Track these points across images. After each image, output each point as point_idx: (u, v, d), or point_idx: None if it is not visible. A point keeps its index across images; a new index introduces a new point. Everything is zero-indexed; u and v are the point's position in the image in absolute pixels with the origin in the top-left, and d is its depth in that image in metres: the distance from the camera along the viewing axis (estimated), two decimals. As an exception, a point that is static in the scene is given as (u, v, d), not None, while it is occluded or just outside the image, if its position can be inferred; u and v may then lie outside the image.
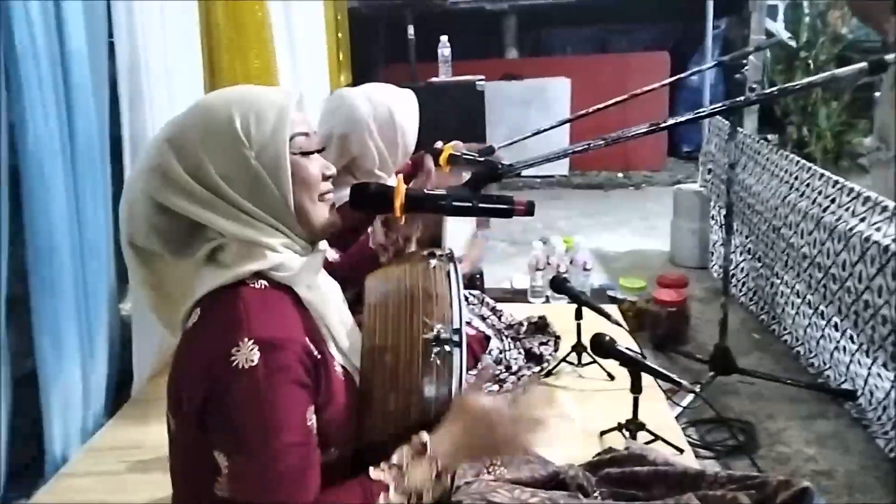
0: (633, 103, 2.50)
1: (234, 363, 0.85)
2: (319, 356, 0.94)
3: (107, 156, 1.82)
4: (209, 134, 0.94)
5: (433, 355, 0.97)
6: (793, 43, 6.03)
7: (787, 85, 1.35)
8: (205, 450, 0.89)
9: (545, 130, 2.23)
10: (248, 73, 2.50)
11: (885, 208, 2.09)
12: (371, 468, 0.90)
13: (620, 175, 6.31)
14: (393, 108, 1.77)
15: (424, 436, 0.93)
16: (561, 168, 6.31)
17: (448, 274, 1.06)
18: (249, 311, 0.89)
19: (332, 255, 1.31)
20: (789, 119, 6.08)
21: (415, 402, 0.97)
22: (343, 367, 1.00)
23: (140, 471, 1.61)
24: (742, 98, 1.53)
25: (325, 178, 1.01)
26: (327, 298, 1.02)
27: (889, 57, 1.08)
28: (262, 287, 0.92)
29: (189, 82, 2.16)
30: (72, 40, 1.63)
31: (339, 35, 4.25)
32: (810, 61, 5.91)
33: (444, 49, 3.83)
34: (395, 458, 0.91)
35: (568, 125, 5.21)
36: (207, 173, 0.93)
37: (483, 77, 3.82)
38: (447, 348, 0.98)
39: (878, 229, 2.08)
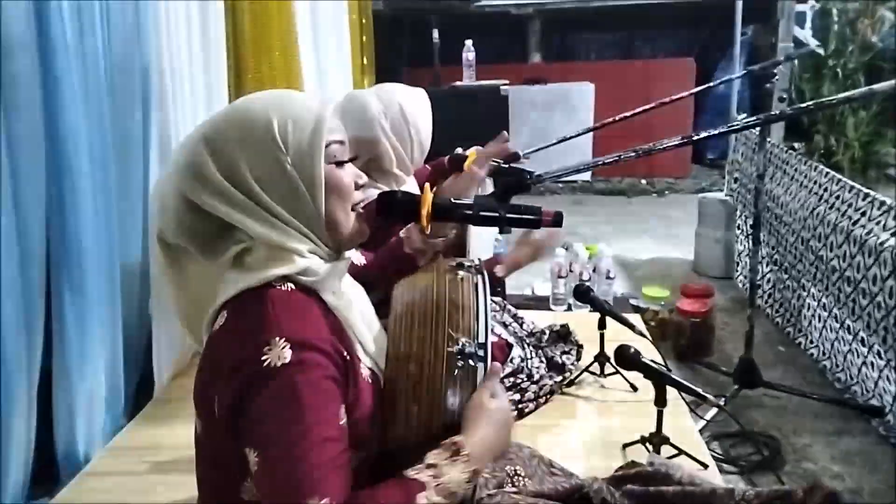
0: (659, 110, 2.47)
1: (266, 362, 0.85)
2: (348, 357, 0.94)
3: (138, 154, 1.83)
4: (246, 136, 0.94)
5: (457, 369, 0.96)
6: (821, 51, 5.94)
7: (823, 99, 1.32)
8: (232, 452, 0.89)
9: (571, 138, 2.22)
10: (273, 76, 2.51)
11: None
12: (409, 469, 0.89)
13: (644, 181, 6.26)
14: (403, 103, 1.77)
15: (457, 437, 0.93)
16: (584, 174, 6.28)
17: (476, 286, 1.05)
18: (278, 311, 0.89)
19: (359, 258, 1.30)
20: (816, 128, 5.99)
21: (437, 413, 0.96)
22: (370, 369, 1.00)
23: (161, 471, 1.61)
24: (776, 113, 1.50)
25: (358, 187, 1.01)
26: (352, 303, 1.02)
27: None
28: (289, 289, 0.92)
29: (215, 83, 2.17)
30: (101, 38, 1.64)
31: (364, 38, 4.26)
32: (839, 70, 5.82)
33: (469, 53, 3.82)
34: (430, 459, 0.90)
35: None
36: (242, 175, 0.93)
37: (507, 81, 3.80)
38: (471, 363, 0.97)
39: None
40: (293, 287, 0.93)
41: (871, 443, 2.30)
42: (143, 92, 1.87)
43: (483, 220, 1.07)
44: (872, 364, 2.33)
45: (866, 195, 2.37)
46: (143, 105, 1.87)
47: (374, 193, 1.11)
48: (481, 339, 0.99)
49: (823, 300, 2.66)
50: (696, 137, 1.15)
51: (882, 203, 2.27)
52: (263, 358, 0.85)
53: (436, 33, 4.14)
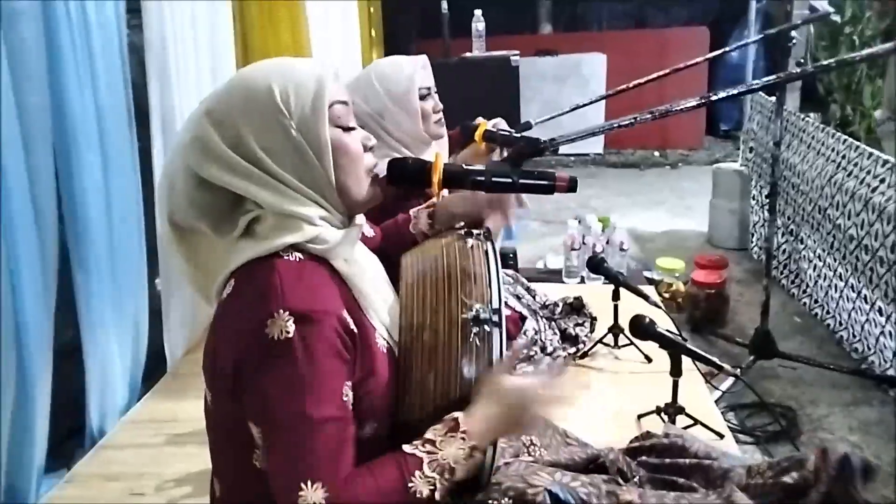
0: (672, 80, 2.41)
1: (269, 334, 0.84)
2: (358, 329, 0.93)
3: (134, 129, 1.82)
4: (249, 106, 0.93)
5: (472, 335, 0.95)
6: (837, 18, 5.81)
7: (845, 57, 1.28)
8: (241, 422, 0.89)
9: (582, 106, 2.17)
10: (280, 48, 2.49)
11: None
12: (405, 445, 0.89)
13: (657, 153, 6.19)
14: (372, 75, 1.75)
15: (457, 413, 0.92)
16: (596, 146, 6.21)
17: (486, 253, 1.03)
18: (284, 282, 0.87)
19: (368, 230, 1.29)
20: (832, 97, 5.89)
21: (454, 382, 0.95)
22: (385, 339, 0.99)
23: (176, 444, 1.63)
24: (796, 71, 1.46)
25: (367, 149, 1.00)
26: (365, 271, 1.01)
27: None
28: (298, 259, 0.91)
29: (221, 57, 2.15)
30: (98, 13, 1.62)
31: (371, 10, 4.21)
32: (855, 37, 5.70)
33: (478, 24, 3.76)
34: (428, 434, 0.90)
35: (603, 102, 5.14)
36: (248, 145, 0.92)
37: (518, 52, 3.75)
38: (486, 328, 0.95)
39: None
40: (302, 256, 0.92)
41: (890, 413, 2.28)
42: (143, 66, 1.85)
43: (495, 186, 1.05)
44: (891, 333, 2.30)
45: (885, 161, 2.33)
46: (143, 79, 1.86)
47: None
48: (495, 305, 0.98)
49: (840, 269, 2.63)
50: (713, 98, 1.11)
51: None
52: (266, 330, 0.84)
53: (444, 4, 4.08)
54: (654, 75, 2.24)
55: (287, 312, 0.84)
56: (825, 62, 1.19)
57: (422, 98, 1.76)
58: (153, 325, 1.97)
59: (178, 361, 2.01)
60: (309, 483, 0.81)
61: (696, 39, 5.86)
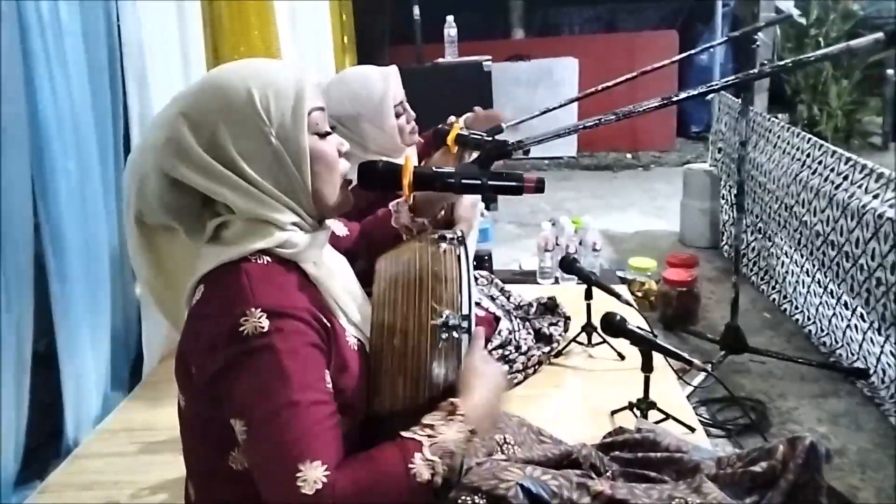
0: (642, 83, 2.46)
1: (244, 332, 0.84)
2: (329, 326, 0.94)
3: (110, 138, 1.81)
4: (228, 109, 0.92)
5: (441, 342, 0.97)
6: (803, 20, 5.94)
7: (801, 57, 1.32)
8: (216, 423, 0.89)
9: (553, 109, 2.20)
10: (251, 55, 2.48)
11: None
12: (404, 432, 0.89)
13: (629, 156, 6.26)
14: (344, 89, 1.76)
15: (455, 399, 0.93)
16: (569, 149, 6.27)
17: (458, 258, 1.05)
18: (253, 282, 0.88)
19: (341, 229, 1.30)
20: (799, 98, 6.01)
21: (423, 385, 0.97)
22: (356, 338, 1.00)
23: (152, 452, 1.62)
24: (755, 70, 1.50)
25: (341, 154, 1.01)
26: (334, 273, 1.02)
27: None
28: (266, 262, 0.92)
29: (192, 62, 2.15)
30: (73, 20, 1.61)
31: (343, 17, 4.21)
32: (820, 38, 5.83)
33: (450, 29, 3.79)
34: (426, 420, 0.91)
35: (576, 105, 5.18)
36: (225, 149, 0.92)
37: (490, 58, 3.78)
38: (455, 335, 0.97)
39: (891, 206, 2.05)
40: (269, 260, 0.92)
41: (856, 404, 2.33)
42: (120, 74, 1.84)
43: (465, 188, 1.07)
44: (856, 327, 2.36)
45: (848, 159, 2.39)
46: (120, 86, 1.85)
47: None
48: (465, 311, 1.00)
49: (807, 265, 2.69)
50: (675, 98, 1.15)
51: (864, 166, 2.28)
52: (241, 329, 0.84)
53: (417, 10, 4.10)
54: (623, 78, 2.28)
55: (259, 310, 0.85)
56: (781, 63, 1.23)
57: (397, 115, 1.78)
58: (131, 333, 1.96)
59: (154, 368, 2.00)
60: (308, 462, 0.81)
61: (666, 43, 5.95)
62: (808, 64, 1.18)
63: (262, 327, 0.85)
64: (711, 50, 5.55)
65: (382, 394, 0.98)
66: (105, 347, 1.80)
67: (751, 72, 1.38)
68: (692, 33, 6.26)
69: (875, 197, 2.16)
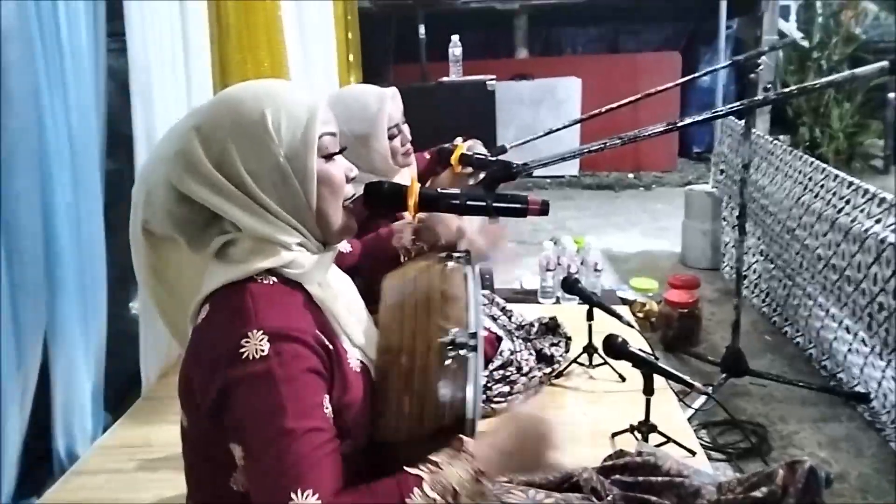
0: (645, 104, 2.48)
1: (244, 354, 0.85)
2: (332, 348, 0.93)
3: (103, 153, 1.81)
4: (239, 127, 0.93)
5: (449, 359, 0.96)
6: (805, 43, 5.99)
7: (805, 84, 1.33)
8: (218, 445, 0.89)
9: (557, 130, 2.22)
10: (258, 72, 2.50)
11: (897, 209, 2.06)
12: (406, 467, 0.88)
13: (631, 176, 6.28)
14: (340, 109, 1.74)
15: (466, 437, 0.92)
16: (571, 169, 6.29)
17: (465, 276, 1.05)
18: (257, 303, 0.88)
19: (345, 245, 1.30)
20: (801, 120, 6.05)
21: (429, 405, 0.96)
22: (360, 360, 1.00)
23: (150, 469, 1.61)
24: (760, 97, 1.51)
25: (349, 180, 1.01)
26: (338, 295, 1.02)
27: None
28: (271, 283, 0.92)
29: (199, 80, 2.16)
30: (71, 34, 1.62)
31: (350, 35, 4.25)
32: (823, 62, 5.88)
33: (455, 49, 3.82)
34: (433, 457, 0.89)
35: (578, 125, 5.22)
36: (233, 166, 0.92)
37: (494, 77, 3.81)
38: (463, 353, 0.97)
39: (893, 231, 2.06)
40: (275, 280, 0.93)
41: (857, 428, 2.32)
42: (123, 87, 1.85)
43: (470, 210, 1.08)
44: (858, 351, 2.35)
45: (850, 183, 2.39)
46: (125, 101, 1.86)
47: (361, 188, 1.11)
48: (472, 329, 0.99)
49: (809, 289, 2.69)
50: (679, 124, 1.16)
51: (866, 191, 2.29)
52: (241, 351, 0.84)
53: (422, 29, 4.14)
54: (626, 100, 2.30)
55: (261, 332, 0.85)
56: (785, 90, 1.24)
57: (391, 137, 1.74)
58: (128, 350, 1.95)
59: (153, 385, 2.00)
60: (299, 492, 0.81)
61: (668, 64, 5.99)
62: (814, 91, 1.19)
63: (263, 350, 0.85)
64: (714, 73, 5.58)
65: (388, 414, 0.97)
66: (100, 363, 1.79)
67: (755, 98, 1.40)
68: (695, 55, 6.30)
69: (877, 221, 2.16)
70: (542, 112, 5.97)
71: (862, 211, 2.27)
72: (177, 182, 0.94)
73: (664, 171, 6.32)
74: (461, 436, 0.91)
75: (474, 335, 0.98)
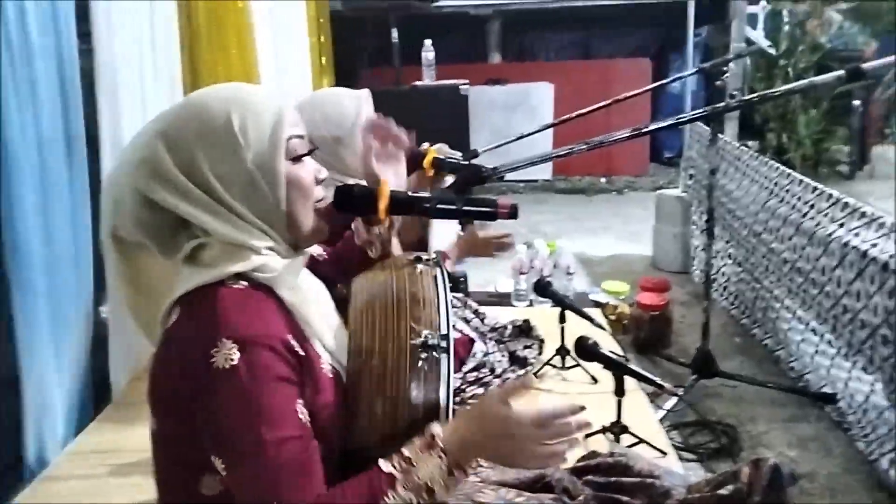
0: (617, 109, 2.51)
1: (214, 364, 0.84)
2: (303, 353, 0.93)
3: (80, 155, 1.79)
4: (205, 132, 0.93)
5: (421, 361, 0.97)
6: (773, 51, 6.11)
7: (766, 91, 1.37)
8: (187, 449, 0.88)
9: (529, 135, 2.24)
10: (229, 74, 2.49)
11: (863, 214, 2.11)
12: (381, 460, 0.88)
13: (603, 180, 6.35)
14: (316, 110, 1.72)
15: (436, 427, 0.91)
16: (545, 173, 6.34)
17: (435, 278, 1.06)
18: (228, 310, 0.88)
19: (318, 251, 1.29)
20: (769, 126, 6.16)
21: (402, 407, 0.96)
22: (331, 364, 0.99)
23: (121, 474, 1.59)
24: (722, 104, 1.54)
25: (318, 182, 1.01)
26: (310, 299, 1.01)
27: (866, 65, 1.10)
28: (242, 287, 0.92)
29: (169, 82, 2.14)
30: (38, 35, 1.59)
31: (322, 38, 4.23)
32: (790, 69, 5.99)
33: (428, 53, 3.83)
34: (405, 451, 0.89)
35: (551, 130, 5.26)
36: (201, 171, 0.92)
37: (467, 81, 3.83)
38: (435, 354, 0.97)
39: (856, 234, 2.11)
40: (247, 284, 0.92)
41: (825, 428, 2.37)
42: (89, 88, 1.83)
43: (440, 213, 1.08)
44: (824, 353, 2.40)
45: (815, 188, 2.45)
46: (91, 102, 1.84)
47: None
48: (443, 331, 1.00)
49: (776, 292, 2.74)
50: (644, 130, 1.18)
51: (830, 196, 2.34)
52: (212, 360, 0.84)
53: (395, 33, 4.15)
54: (598, 105, 2.33)
55: (231, 340, 0.85)
56: (746, 98, 1.27)
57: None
58: (98, 354, 1.92)
59: (123, 390, 1.97)
60: (275, 503, 0.81)
61: (639, 70, 6.07)
62: (775, 98, 1.22)
63: (233, 360, 0.84)
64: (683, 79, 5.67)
65: (361, 418, 0.98)
66: (71, 367, 1.77)
67: (718, 105, 1.42)
68: (666, 61, 6.40)
69: (841, 226, 2.21)
70: (515, 117, 6.01)
71: (826, 215, 2.32)
72: (144, 188, 0.93)
73: (636, 175, 6.40)
74: (433, 427, 0.91)
75: (445, 337, 0.99)
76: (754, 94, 1.10)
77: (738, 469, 1.14)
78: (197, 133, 0.92)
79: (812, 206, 2.41)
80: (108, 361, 1.94)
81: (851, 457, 2.20)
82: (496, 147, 2.17)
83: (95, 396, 1.93)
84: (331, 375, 0.98)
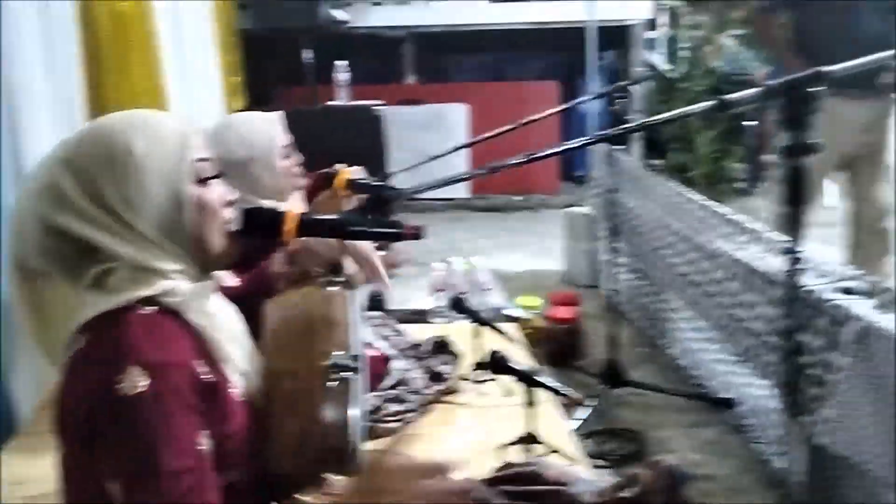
0: (528, 129, 2.61)
1: (120, 391, 0.83)
2: (213, 378, 0.93)
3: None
4: (109, 158, 0.92)
5: (332, 382, 0.99)
6: (674, 74, 6.46)
7: (645, 121, 1.48)
8: (92, 478, 0.87)
9: (442, 156, 2.30)
10: (134, 95, 2.42)
11: (748, 230, 2.27)
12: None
13: (519, 198, 6.52)
14: (231, 133, 1.76)
15: (331, 478, 0.94)
16: (463, 192, 6.44)
17: (346, 299, 1.08)
18: (134, 336, 0.87)
19: (232, 280, 1.29)
20: (671, 145, 6.50)
21: (315, 428, 0.98)
22: (243, 388, 1.00)
23: (26, 508, 1.52)
24: (602, 132, 1.64)
25: (227, 204, 1.02)
26: (220, 323, 1.01)
27: (728, 97, 1.21)
28: (150, 312, 0.91)
29: (69, 107, 2.08)
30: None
31: (232, 57, 4.19)
32: (688, 92, 6.35)
33: (341, 73, 3.85)
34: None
35: (465, 150, 5.37)
36: (106, 197, 0.91)
37: (381, 102, 3.86)
38: (346, 374, 0.99)
39: (743, 249, 2.26)
40: (155, 309, 0.92)
41: (725, 432, 2.51)
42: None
43: (347, 235, 1.11)
44: (722, 360, 2.56)
45: (703, 206, 2.61)
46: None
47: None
48: (353, 352, 1.02)
49: (676, 304, 2.90)
50: (538, 155, 1.25)
51: (716, 213, 2.50)
52: (117, 387, 0.84)
53: (309, 53, 4.14)
54: (508, 127, 2.42)
55: (138, 367, 0.84)
56: (625, 126, 1.36)
57: (282, 158, 1.79)
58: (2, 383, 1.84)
59: (29, 420, 1.88)
60: None
61: (548, 92, 6.29)
62: (647, 126, 1.30)
63: (138, 388, 0.84)
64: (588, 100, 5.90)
65: (274, 441, 0.99)
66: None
67: (600, 133, 1.51)
68: (572, 83, 6.65)
69: (729, 241, 2.36)
70: (431, 137, 6.08)
71: (715, 231, 2.47)
72: (48, 217, 0.92)
73: (549, 193, 6.59)
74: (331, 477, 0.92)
75: (356, 357, 1.01)
76: (634, 124, 1.20)
77: (637, 472, 1.20)
78: (100, 159, 0.92)
79: (703, 223, 2.57)
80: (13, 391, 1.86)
81: (748, 458, 2.34)
82: (409, 169, 2.21)
83: (4, 425, 1.84)
84: (242, 399, 0.98)
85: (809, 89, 1.09)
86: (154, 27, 2.66)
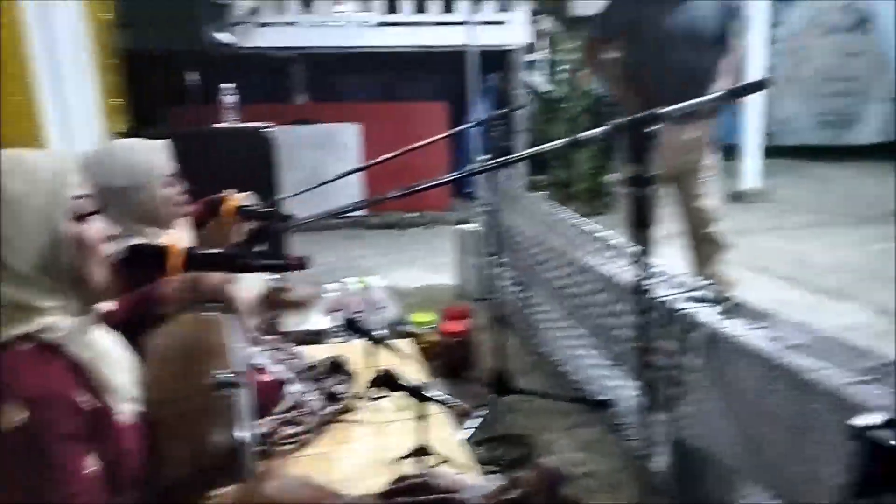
0: (418, 149, 2.72)
1: (1, 427, 0.85)
2: (98, 407, 0.96)
3: None
4: None
5: (215, 402, 1.04)
6: (553, 95, 6.82)
7: (523, 153, 1.61)
8: None
9: (334, 180, 2.36)
10: (9, 127, 2.32)
11: (612, 245, 2.48)
12: None
13: (415, 215, 6.65)
14: (112, 162, 1.74)
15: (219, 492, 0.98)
16: (358, 210, 6.49)
17: (227, 323, 1.13)
18: (12, 372, 0.89)
19: (108, 304, 1.29)
20: (554, 163, 6.84)
21: (203, 447, 1.03)
22: (130, 414, 1.02)
23: None
24: (491, 161, 1.77)
25: (106, 240, 1.04)
26: (103, 353, 1.03)
27: (581, 136, 1.35)
28: (27, 349, 0.93)
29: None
30: None
31: (113, 79, 4.05)
32: (568, 112, 6.72)
33: (227, 95, 3.81)
34: None
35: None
36: None
37: (270, 123, 3.85)
38: (229, 393, 1.04)
39: (610, 262, 2.46)
40: (33, 346, 0.94)
41: (604, 431, 2.70)
42: None
43: (232, 269, 1.15)
44: (599, 365, 2.75)
45: (574, 224, 2.82)
46: None
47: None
48: (237, 369, 1.07)
49: (556, 314, 3.09)
50: (434, 182, 1.35)
51: (584, 230, 2.71)
52: None
53: (194, 74, 4.07)
54: (402, 150, 2.52)
55: (17, 404, 0.87)
56: (499, 159, 1.49)
57: (166, 187, 1.77)
58: None
59: None
60: None
61: (437, 112, 6.49)
62: (524, 158, 1.44)
63: (19, 422, 0.86)
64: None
65: (166, 462, 1.03)
66: None
67: (475, 167, 1.63)
68: (460, 105, 6.88)
69: (597, 255, 2.57)
70: (324, 157, 6.11)
71: (585, 247, 2.68)
72: None
73: (442, 210, 6.76)
74: None
75: (238, 374, 1.06)
76: (506, 157, 1.32)
77: (519, 475, 1.31)
78: None
79: (575, 240, 2.78)
80: None
81: (626, 456, 2.52)
82: (301, 193, 2.25)
83: None
84: (131, 425, 1.01)
85: (648, 129, 1.24)
86: (26, 54, 2.57)
